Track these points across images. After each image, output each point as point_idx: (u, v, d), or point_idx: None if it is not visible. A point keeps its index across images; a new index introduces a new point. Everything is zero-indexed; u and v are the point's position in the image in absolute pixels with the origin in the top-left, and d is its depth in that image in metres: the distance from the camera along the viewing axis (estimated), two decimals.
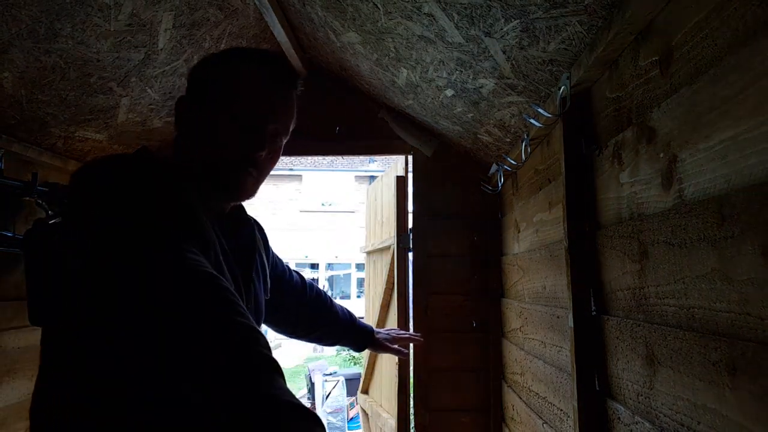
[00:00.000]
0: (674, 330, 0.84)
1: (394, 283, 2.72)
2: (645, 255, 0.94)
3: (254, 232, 1.10)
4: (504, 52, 1.29)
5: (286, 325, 1.45)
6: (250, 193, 0.95)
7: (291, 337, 1.49)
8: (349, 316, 1.56)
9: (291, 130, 0.98)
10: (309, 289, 1.48)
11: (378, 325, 3.30)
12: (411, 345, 2.40)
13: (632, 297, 1.00)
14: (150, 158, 0.89)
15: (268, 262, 1.19)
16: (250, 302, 1.01)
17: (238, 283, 0.94)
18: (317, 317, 1.48)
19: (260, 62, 0.92)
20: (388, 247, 2.93)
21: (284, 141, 0.97)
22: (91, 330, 0.71)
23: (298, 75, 0.96)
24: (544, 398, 1.59)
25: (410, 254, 2.46)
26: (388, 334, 1.65)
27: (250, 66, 0.91)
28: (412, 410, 2.41)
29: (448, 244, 2.41)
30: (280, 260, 1.41)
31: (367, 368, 3.59)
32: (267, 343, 0.71)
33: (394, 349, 1.62)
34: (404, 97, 2.09)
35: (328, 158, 15.96)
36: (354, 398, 6.29)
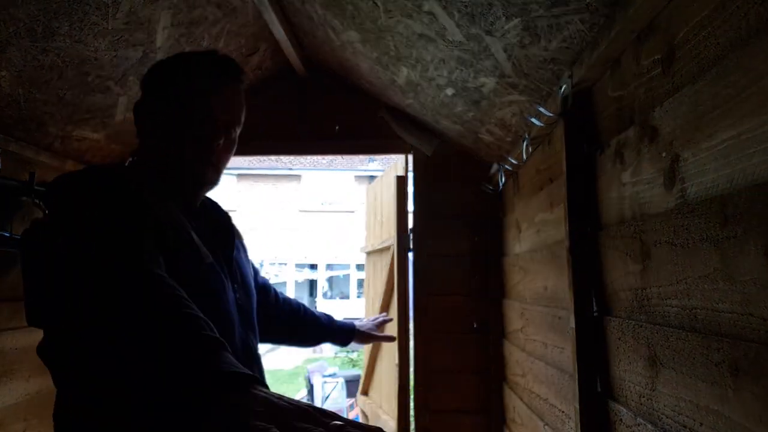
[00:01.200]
0: (676, 331, 0.83)
1: (394, 284, 2.71)
2: (647, 255, 0.94)
3: (230, 220, 1.17)
4: (505, 51, 1.29)
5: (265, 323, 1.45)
6: (213, 181, 1.03)
7: (271, 338, 1.45)
8: (327, 316, 1.56)
9: (242, 121, 1.06)
10: (277, 292, 1.48)
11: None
12: (411, 344, 2.40)
13: (634, 298, 1.00)
14: (114, 167, 1.03)
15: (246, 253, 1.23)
16: (236, 278, 1.05)
17: (218, 258, 0.99)
18: (295, 316, 1.48)
19: (206, 62, 1.00)
20: (388, 248, 2.93)
21: (238, 132, 1.04)
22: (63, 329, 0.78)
23: (242, 70, 1.04)
24: (545, 400, 1.58)
25: (410, 254, 2.46)
26: (370, 322, 1.66)
27: (197, 66, 1.00)
28: (412, 412, 2.40)
29: (448, 245, 2.41)
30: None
31: (366, 369, 3.58)
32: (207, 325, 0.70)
33: (383, 336, 1.64)
34: (404, 96, 2.08)
35: (328, 158, 15.95)
36: (354, 400, 6.28)
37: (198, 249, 0.93)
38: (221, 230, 1.10)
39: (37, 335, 0.84)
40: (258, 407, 0.57)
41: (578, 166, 1.26)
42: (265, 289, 1.41)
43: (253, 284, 1.16)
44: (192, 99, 0.97)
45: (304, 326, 1.50)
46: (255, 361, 1.04)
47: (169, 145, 0.99)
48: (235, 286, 1.03)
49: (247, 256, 1.21)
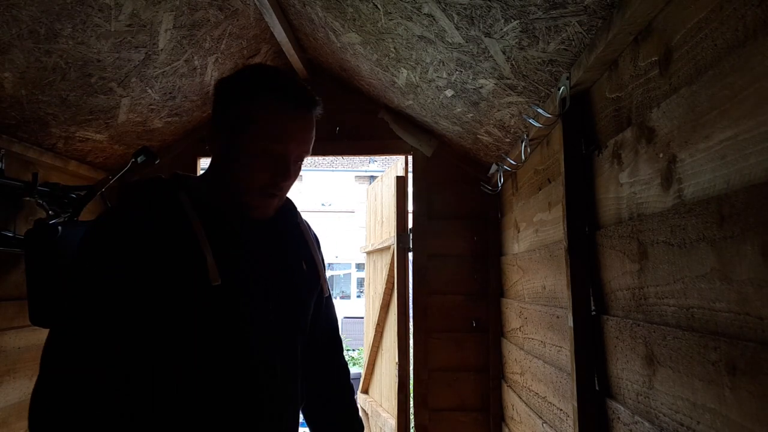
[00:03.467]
0: (674, 330, 0.84)
1: (393, 283, 2.72)
2: (644, 255, 0.95)
3: (299, 230, 1.12)
4: (504, 53, 1.30)
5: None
6: (271, 213, 1.00)
7: None
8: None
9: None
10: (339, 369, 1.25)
11: (378, 326, 3.30)
12: (411, 343, 2.41)
13: (632, 297, 1.01)
14: (171, 179, 0.99)
15: (312, 261, 1.13)
16: (275, 296, 1.00)
17: (244, 276, 0.96)
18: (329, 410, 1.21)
19: (283, 92, 0.94)
20: (388, 247, 2.94)
21: (303, 162, 1.01)
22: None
23: (316, 100, 0.98)
24: (543, 398, 1.59)
25: (410, 254, 2.46)
26: None
27: (274, 98, 0.93)
28: (411, 410, 2.41)
29: (448, 244, 2.41)
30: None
31: (366, 368, 3.59)
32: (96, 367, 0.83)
33: None
34: (404, 97, 2.09)
35: (328, 158, 15.95)
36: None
37: (205, 272, 0.90)
38: (282, 242, 1.06)
39: (41, 334, 0.87)
40: None
41: (576, 166, 1.27)
42: (327, 344, 1.22)
43: (304, 302, 1.08)
44: (265, 135, 0.92)
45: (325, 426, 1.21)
46: (281, 381, 0.99)
47: (236, 173, 0.95)
48: (270, 305, 0.99)
49: (302, 261, 1.10)
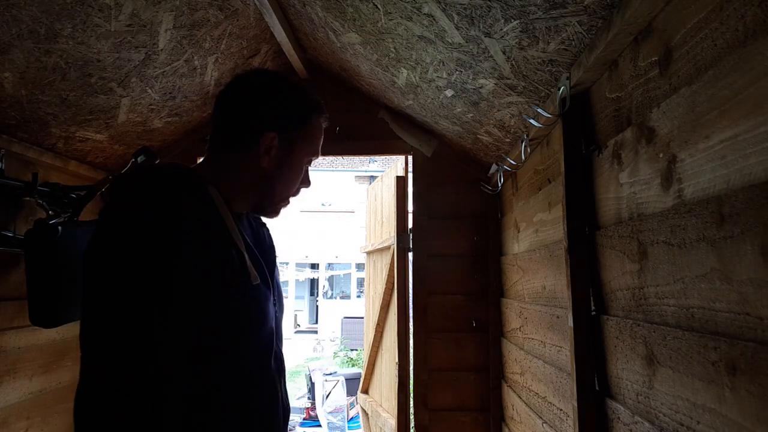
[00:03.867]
0: (674, 330, 0.84)
1: (394, 283, 2.72)
2: (644, 255, 0.95)
3: (270, 232, 1.18)
4: (504, 53, 1.30)
5: None
6: (279, 214, 1.08)
7: None
8: None
9: None
10: None
11: (378, 326, 3.30)
12: (411, 343, 2.41)
13: (632, 297, 1.01)
14: (194, 171, 0.98)
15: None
16: (274, 295, 1.04)
17: (263, 274, 0.99)
18: None
19: (320, 110, 1.07)
20: (388, 247, 2.94)
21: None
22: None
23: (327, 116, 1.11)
24: (543, 398, 1.59)
25: (410, 254, 2.47)
26: None
27: (318, 116, 1.07)
28: (411, 410, 2.41)
29: (448, 244, 2.42)
30: None
31: (367, 368, 3.59)
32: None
33: None
34: (404, 97, 2.09)
35: (328, 158, 15.95)
36: (354, 398, 6.28)
37: (248, 272, 0.92)
38: (264, 243, 1.11)
39: (41, 334, 0.86)
40: None
41: (576, 166, 1.27)
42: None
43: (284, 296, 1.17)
44: (307, 141, 1.04)
45: None
46: (283, 367, 1.06)
47: (273, 173, 1.01)
48: (275, 299, 1.04)
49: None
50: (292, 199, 1.09)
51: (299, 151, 1.03)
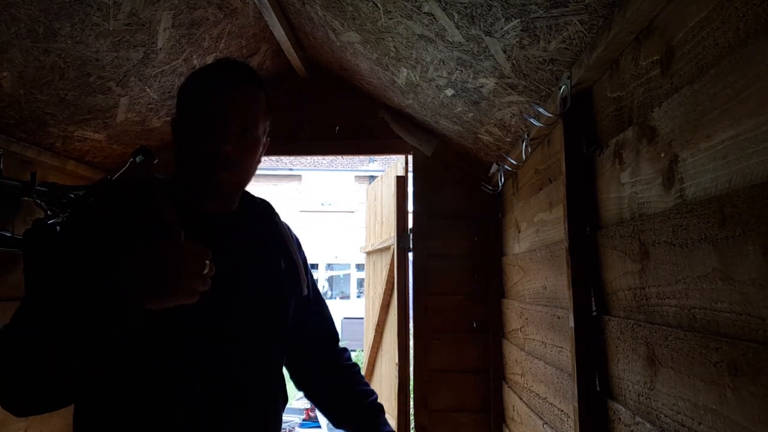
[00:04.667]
0: (675, 330, 0.84)
1: (394, 284, 2.71)
2: (646, 255, 0.94)
3: (275, 229, 1.14)
4: (504, 52, 1.29)
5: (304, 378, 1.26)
6: (228, 187, 1.00)
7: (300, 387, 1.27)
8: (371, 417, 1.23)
9: (263, 125, 1.04)
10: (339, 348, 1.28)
11: (378, 326, 3.30)
12: (411, 343, 2.40)
13: (633, 297, 1.00)
14: (149, 178, 1.03)
15: (290, 263, 1.13)
16: (245, 290, 1.01)
17: (227, 266, 0.95)
18: (346, 396, 1.24)
19: (214, 69, 1.02)
20: (388, 248, 2.94)
21: (256, 135, 1.01)
22: None
23: (254, 74, 1.04)
24: (544, 399, 1.58)
25: (410, 254, 2.46)
26: None
27: (205, 75, 1.01)
28: (411, 411, 2.41)
29: (448, 244, 2.41)
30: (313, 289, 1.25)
31: (366, 369, 3.59)
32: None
33: None
34: (404, 96, 2.08)
35: (328, 158, 15.95)
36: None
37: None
38: (256, 239, 1.08)
39: None
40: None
41: (577, 166, 1.26)
42: (321, 340, 1.25)
43: (282, 300, 1.09)
44: (197, 106, 0.98)
45: (347, 414, 1.23)
46: (251, 375, 0.99)
47: (184, 154, 1.01)
48: (241, 300, 0.99)
49: (290, 267, 1.12)
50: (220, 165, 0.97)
51: (188, 112, 1.00)
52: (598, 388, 1.17)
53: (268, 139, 1.09)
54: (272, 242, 1.12)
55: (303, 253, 1.20)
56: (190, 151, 0.99)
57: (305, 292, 1.15)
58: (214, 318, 0.95)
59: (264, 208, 1.15)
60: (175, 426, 0.89)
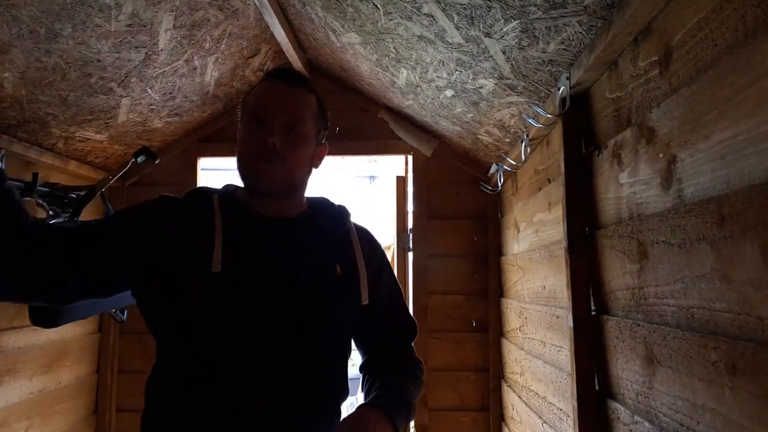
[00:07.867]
0: (674, 330, 0.84)
1: None
2: (644, 255, 0.95)
3: (337, 229, 1.11)
4: (504, 53, 1.30)
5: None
6: (275, 180, 1.01)
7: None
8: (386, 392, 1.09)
9: (314, 127, 1.09)
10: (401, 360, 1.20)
11: None
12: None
13: (632, 297, 1.01)
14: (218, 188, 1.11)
15: (354, 271, 1.09)
16: (294, 287, 1.00)
17: (253, 267, 0.99)
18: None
19: (271, 75, 1.08)
20: (387, 247, 2.94)
21: (304, 131, 1.05)
22: None
23: (298, 76, 1.10)
24: (543, 398, 1.59)
25: (410, 254, 2.47)
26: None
27: (262, 80, 1.09)
28: None
29: (447, 244, 2.42)
30: (392, 296, 1.21)
31: None
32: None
33: None
34: (404, 97, 2.09)
35: (328, 158, 15.93)
36: (354, 398, 6.28)
37: (211, 259, 0.95)
38: (313, 244, 1.06)
39: (41, 334, 0.87)
40: None
41: (576, 166, 1.27)
42: (395, 342, 1.21)
43: (332, 310, 1.05)
44: (247, 107, 1.06)
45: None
46: (290, 363, 0.98)
47: (238, 154, 1.06)
48: (285, 303, 0.99)
49: (347, 274, 1.07)
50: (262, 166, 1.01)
51: (243, 113, 1.06)
52: (597, 388, 1.17)
53: (325, 144, 1.15)
54: (332, 249, 1.08)
55: (378, 259, 1.15)
56: (243, 145, 1.04)
57: (364, 301, 1.07)
58: (258, 318, 0.97)
59: (335, 214, 1.14)
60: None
